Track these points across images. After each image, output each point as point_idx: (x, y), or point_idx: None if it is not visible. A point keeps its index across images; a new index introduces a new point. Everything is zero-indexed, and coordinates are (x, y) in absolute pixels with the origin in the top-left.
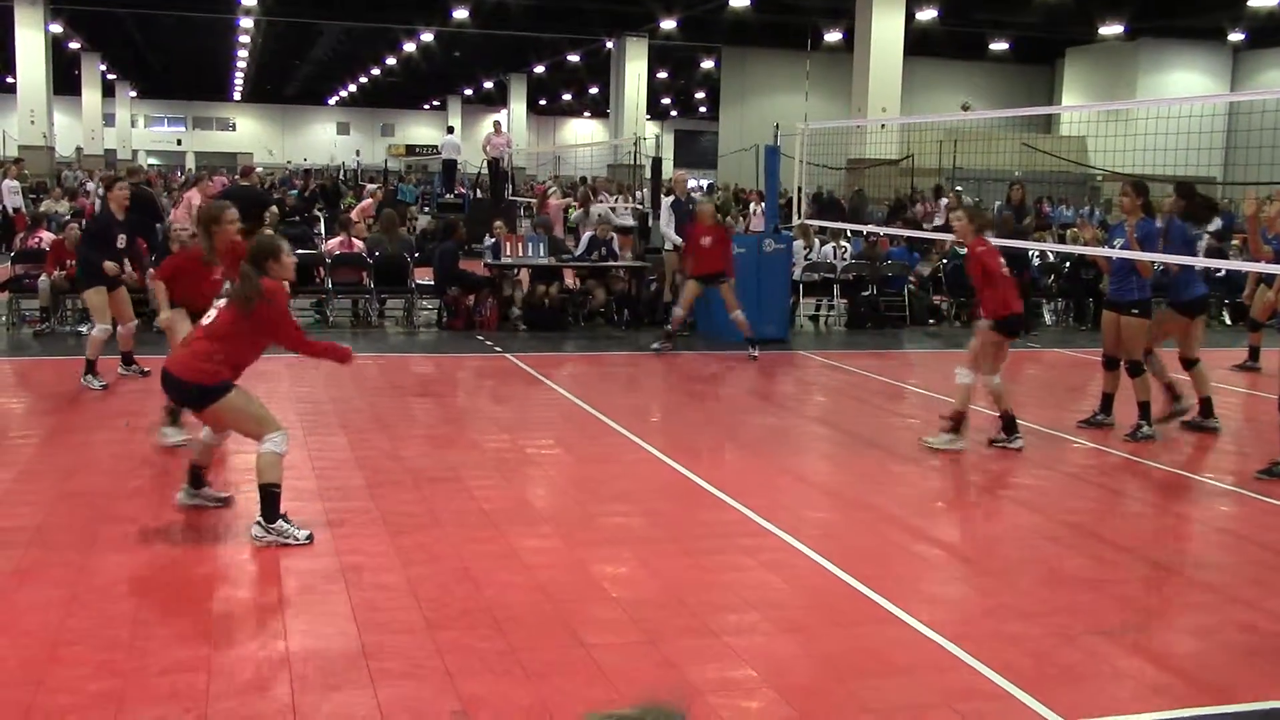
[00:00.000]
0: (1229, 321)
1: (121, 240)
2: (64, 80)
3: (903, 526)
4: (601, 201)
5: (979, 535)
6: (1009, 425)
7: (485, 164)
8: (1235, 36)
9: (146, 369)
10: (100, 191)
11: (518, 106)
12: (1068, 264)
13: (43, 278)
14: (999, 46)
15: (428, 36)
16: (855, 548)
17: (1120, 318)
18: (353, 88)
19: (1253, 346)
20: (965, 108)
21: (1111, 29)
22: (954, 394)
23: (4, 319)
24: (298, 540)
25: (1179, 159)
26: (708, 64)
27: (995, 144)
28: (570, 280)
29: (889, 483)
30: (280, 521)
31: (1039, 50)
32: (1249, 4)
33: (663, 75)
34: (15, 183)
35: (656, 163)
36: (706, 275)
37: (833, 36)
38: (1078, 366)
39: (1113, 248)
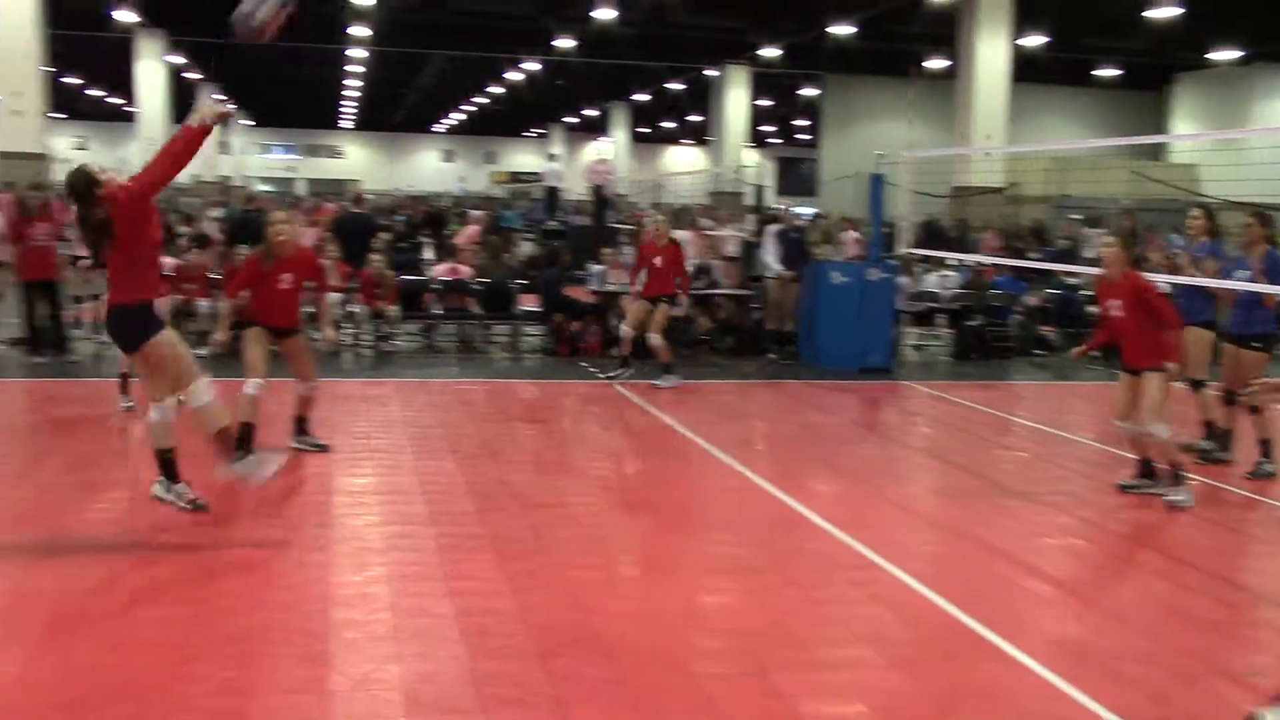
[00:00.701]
0: None
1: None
2: (182, 110)
3: (1013, 561)
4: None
5: (1093, 572)
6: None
7: (590, 190)
8: None
9: None
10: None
11: (619, 134)
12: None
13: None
14: (1107, 72)
15: (532, 65)
16: (965, 582)
17: (1240, 351)
18: (458, 116)
19: None
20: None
21: (1224, 54)
22: (1140, 447)
23: None
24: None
25: None
26: (809, 91)
27: (1104, 172)
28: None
29: (997, 516)
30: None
31: (1149, 76)
32: None
33: (764, 102)
34: None
35: (759, 191)
36: (655, 296)
37: (936, 63)
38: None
39: (1235, 279)
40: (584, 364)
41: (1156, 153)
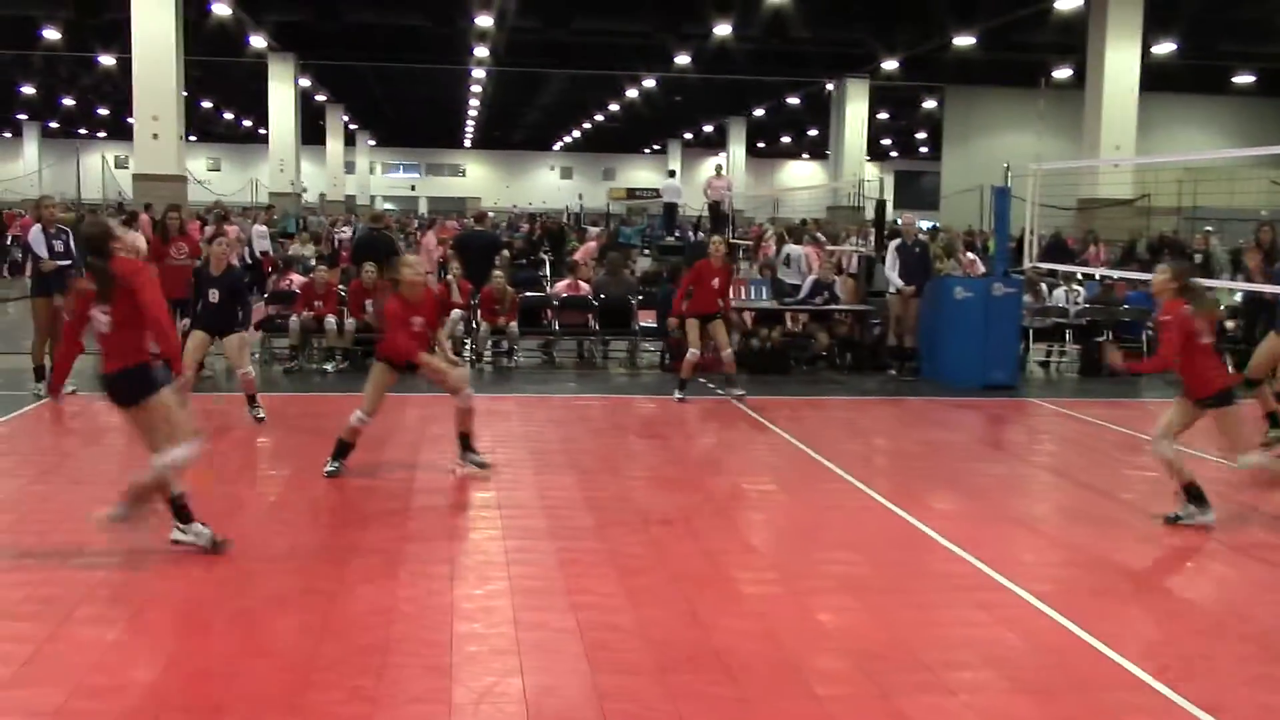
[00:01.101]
0: None
1: (214, 295)
2: (310, 130)
3: (1145, 584)
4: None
5: (1231, 598)
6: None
7: (706, 207)
8: None
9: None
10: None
11: (737, 149)
12: None
13: (293, 318)
14: (1244, 79)
15: (650, 82)
16: (1094, 605)
17: None
18: (576, 133)
19: None
20: None
21: None
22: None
23: (257, 356)
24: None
25: None
26: (929, 103)
27: (1240, 183)
28: (792, 323)
29: (1127, 538)
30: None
31: None
32: None
33: (883, 116)
34: (264, 228)
35: (880, 205)
36: (705, 314)
37: (1062, 73)
38: None
39: None
40: (702, 379)
41: None
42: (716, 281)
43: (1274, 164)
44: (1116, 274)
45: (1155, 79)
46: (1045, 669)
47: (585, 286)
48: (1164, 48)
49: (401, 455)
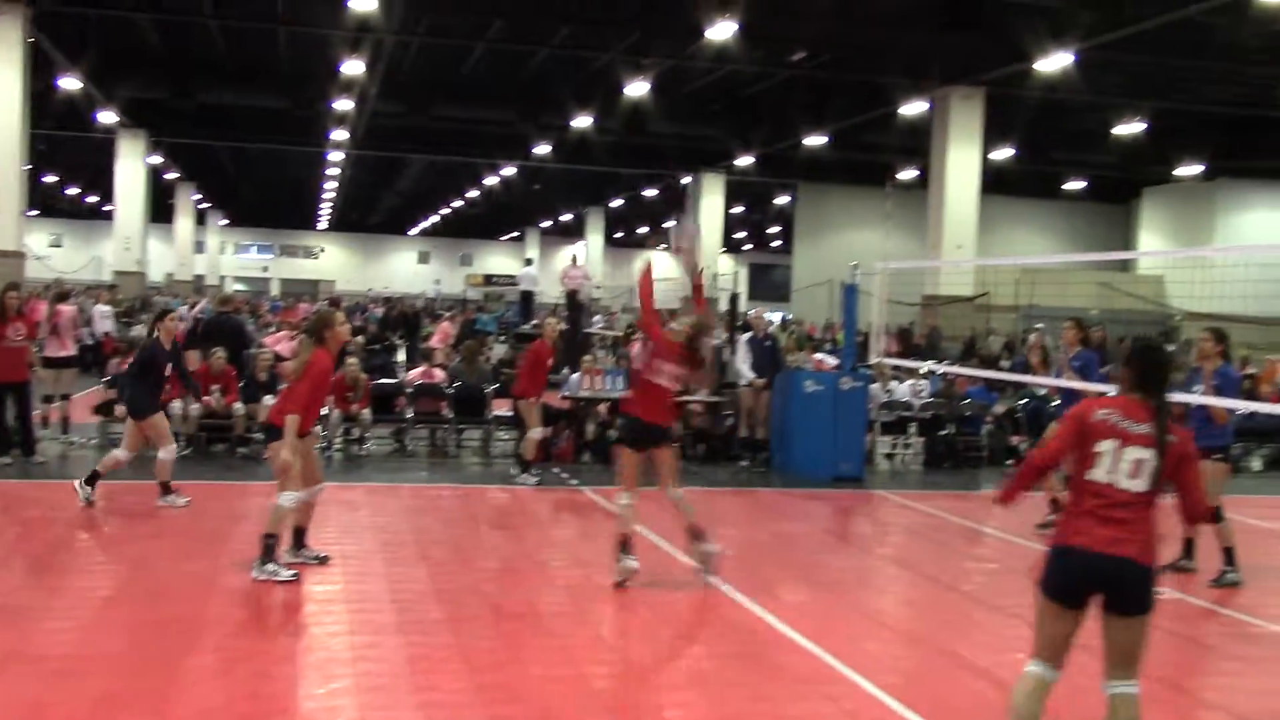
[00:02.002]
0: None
1: (168, 370)
2: (159, 208)
3: (986, 676)
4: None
5: (1065, 688)
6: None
7: (564, 295)
8: None
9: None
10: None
11: (595, 238)
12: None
13: None
14: (1076, 185)
15: (510, 170)
16: (938, 697)
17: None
18: (435, 218)
19: None
20: None
21: (1189, 169)
22: None
23: (95, 441)
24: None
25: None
26: (783, 198)
27: (1072, 286)
28: None
29: (969, 629)
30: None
31: (1116, 190)
32: None
33: (738, 209)
34: (108, 308)
35: (733, 298)
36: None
37: (908, 174)
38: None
39: (1192, 393)
40: (555, 469)
41: (1125, 265)
42: (551, 362)
43: (1102, 267)
44: (958, 370)
45: (995, 182)
46: None
47: (439, 374)
48: (1003, 153)
49: (246, 549)
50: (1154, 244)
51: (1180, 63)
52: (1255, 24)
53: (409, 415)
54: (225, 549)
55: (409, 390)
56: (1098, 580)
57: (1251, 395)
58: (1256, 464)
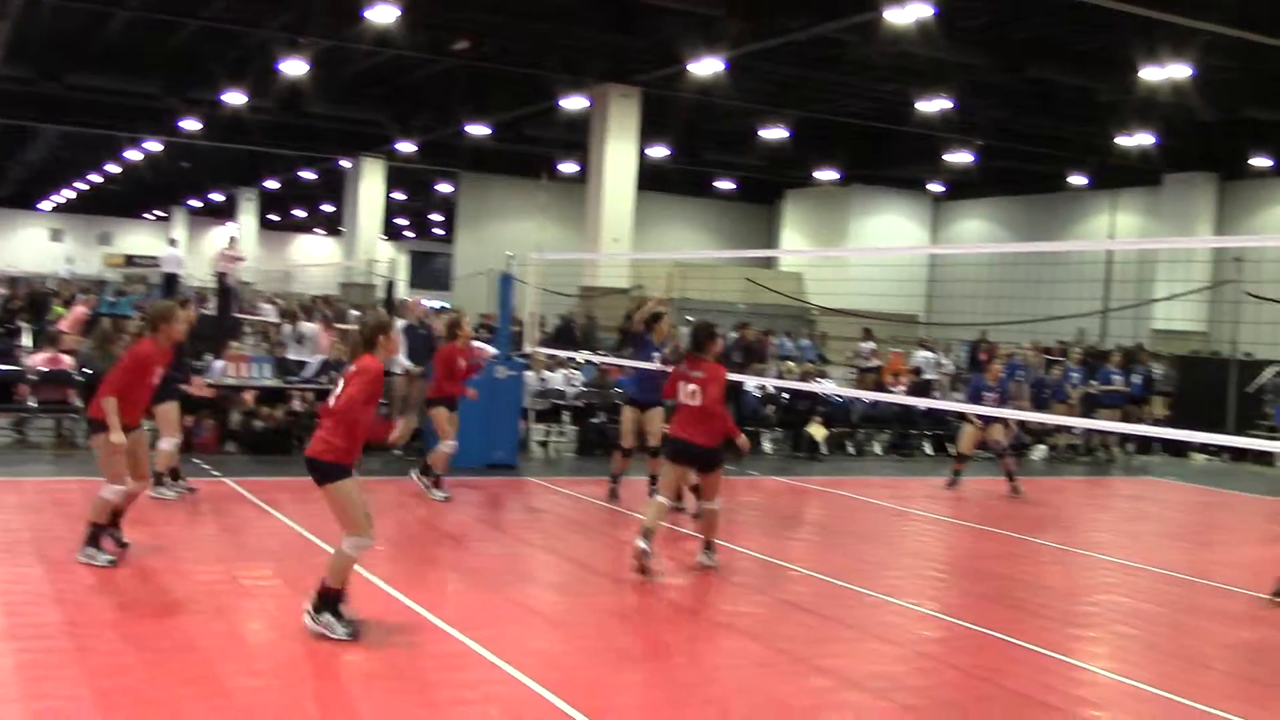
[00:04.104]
0: (930, 452)
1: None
2: None
3: (628, 656)
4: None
5: (700, 664)
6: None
7: (215, 277)
8: (934, 187)
9: None
10: None
11: (248, 220)
12: (785, 395)
13: None
14: (725, 185)
15: (154, 145)
16: (579, 679)
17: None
18: (69, 193)
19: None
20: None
21: (826, 174)
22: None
23: None
24: (337, 635)
25: (888, 302)
26: (445, 187)
27: (721, 281)
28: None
29: (615, 612)
30: (327, 615)
31: (762, 190)
32: (945, 159)
33: (399, 196)
34: None
35: (390, 285)
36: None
37: (568, 167)
38: (794, 494)
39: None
40: (196, 460)
41: (769, 262)
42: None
43: (749, 262)
44: (612, 359)
45: (651, 179)
46: None
47: (68, 359)
48: (659, 151)
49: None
50: (795, 242)
51: (820, 75)
52: (883, 44)
53: (32, 404)
54: None
55: (33, 377)
56: None
57: (878, 386)
58: (878, 448)
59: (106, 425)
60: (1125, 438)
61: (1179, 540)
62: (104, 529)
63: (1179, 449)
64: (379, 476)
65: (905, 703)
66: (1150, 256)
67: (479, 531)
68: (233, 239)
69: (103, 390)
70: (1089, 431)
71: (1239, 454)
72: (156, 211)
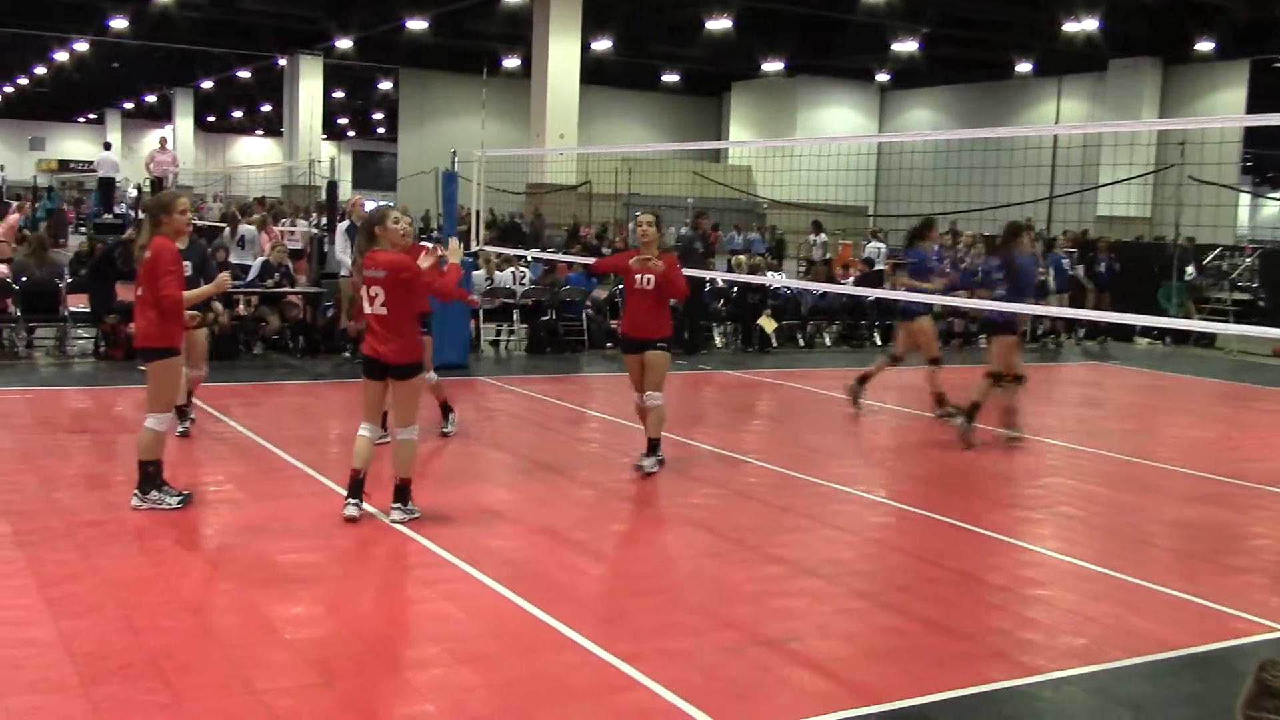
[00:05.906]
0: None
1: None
2: None
3: (581, 550)
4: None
5: (653, 555)
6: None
7: (149, 182)
8: (881, 77)
9: None
10: None
11: (184, 122)
12: (735, 289)
13: None
14: (671, 78)
15: (82, 45)
16: (534, 574)
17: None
18: None
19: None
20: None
21: (773, 65)
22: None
23: None
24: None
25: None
26: (386, 84)
27: (669, 174)
28: (242, 307)
29: (568, 507)
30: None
31: (708, 83)
32: (892, 48)
33: (340, 95)
34: None
35: (332, 185)
36: None
37: (511, 63)
38: (745, 387)
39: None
40: (142, 368)
41: (718, 155)
42: None
43: (697, 156)
44: (560, 256)
45: (595, 74)
46: (487, 638)
47: (3, 268)
48: (602, 44)
49: None
50: (742, 135)
51: None
52: None
53: None
54: None
55: None
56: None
57: (828, 277)
58: (828, 340)
59: (162, 352)
60: (1072, 324)
61: (1123, 423)
62: (160, 466)
63: (1124, 334)
64: (328, 380)
65: (856, 587)
66: (1095, 141)
67: (431, 431)
68: (163, 140)
69: (167, 304)
70: (1036, 318)
71: (1181, 337)
72: (90, 115)
